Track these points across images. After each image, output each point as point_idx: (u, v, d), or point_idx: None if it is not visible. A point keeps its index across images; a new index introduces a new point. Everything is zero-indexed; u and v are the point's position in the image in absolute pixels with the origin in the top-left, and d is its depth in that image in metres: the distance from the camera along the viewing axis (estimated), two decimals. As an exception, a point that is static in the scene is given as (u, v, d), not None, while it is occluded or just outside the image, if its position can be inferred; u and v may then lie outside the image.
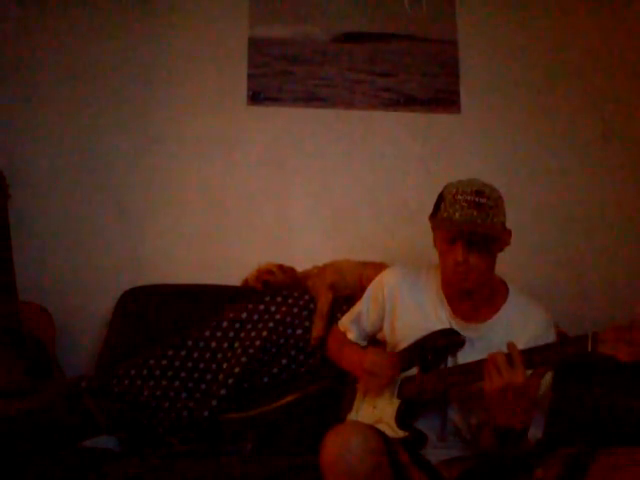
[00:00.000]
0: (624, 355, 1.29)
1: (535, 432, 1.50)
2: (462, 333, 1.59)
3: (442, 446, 1.58)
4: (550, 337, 1.56)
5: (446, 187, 1.59)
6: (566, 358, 1.40)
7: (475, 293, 1.59)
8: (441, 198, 1.58)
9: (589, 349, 1.33)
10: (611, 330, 1.32)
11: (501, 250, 1.60)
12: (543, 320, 1.60)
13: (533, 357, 1.40)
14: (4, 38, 2.44)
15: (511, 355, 1.39)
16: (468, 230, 1.50)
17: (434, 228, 1.61)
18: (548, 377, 1.54)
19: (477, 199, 1.50)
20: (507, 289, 1.65)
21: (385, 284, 1.74)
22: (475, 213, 1.49)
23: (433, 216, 1.59)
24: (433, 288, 1.68)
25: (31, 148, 2.42)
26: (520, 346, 1.43)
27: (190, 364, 2.12)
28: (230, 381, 2.05)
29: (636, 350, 1.29)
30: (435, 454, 1.56)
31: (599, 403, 1.88)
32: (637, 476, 1.31)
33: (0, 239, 2.10)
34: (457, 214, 1.50)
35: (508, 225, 1.59)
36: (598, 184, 2.59)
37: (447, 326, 1.62)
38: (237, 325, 2.19)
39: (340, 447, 1.33)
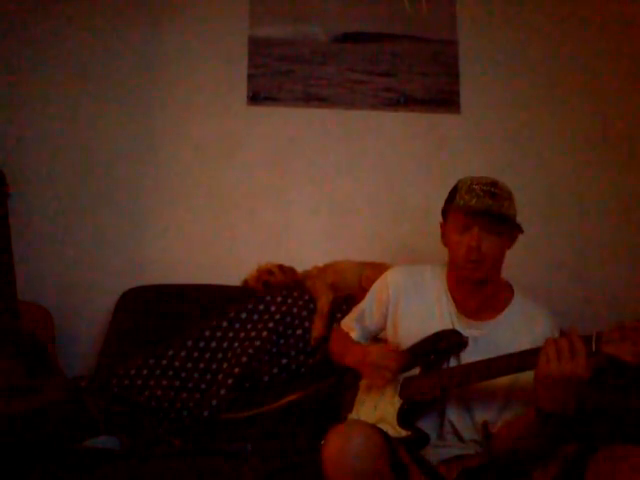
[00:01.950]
0: (629, 356, 1.27)
1: None
2: (466, 331, 1.60)
3: (441, 445, 1.58)
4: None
5: (460, 180, 1.62)
6: None
7: (481, 288, 1.60)
8: (455, 189, 1.60)
9: (593, 349, 1.31)
10: (615, 330, 1.30)
11: (509, 246, 1.60)
12: (549, 321, 1.59)
13: (535, 357, 1.39)
14: (4, 38, 2.44)
15: (574, 344, 1.32)
16: (484, 213, 1.52)
17: (448, 216, 1.62)
18: None
19: (492, 189, 1.54)
20: (513, 291, 1.65)
21: (389, 283, 1.74)
22: (490, 201, 1.52)
23: (447, 205, 1.61)
24: (438, 286, 1.68)
25: (31, 148, 2.42)
26: (526, 347, 1.42)
27: (190, 364, 2.12)
28: (230, 381, 2.05)
29: None
30: (435, 454, 1.56)
31: (596, 401, 1.88)
32: (634, 474, 1.30)
33: (0, 239, 2.10)
34: (473, 201, 1.53)
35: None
36: (598, 184, 2.59)
37: (450, 324, 1.62)
38: (237, 325, 2.19)
39: (341, 446, 1.32)
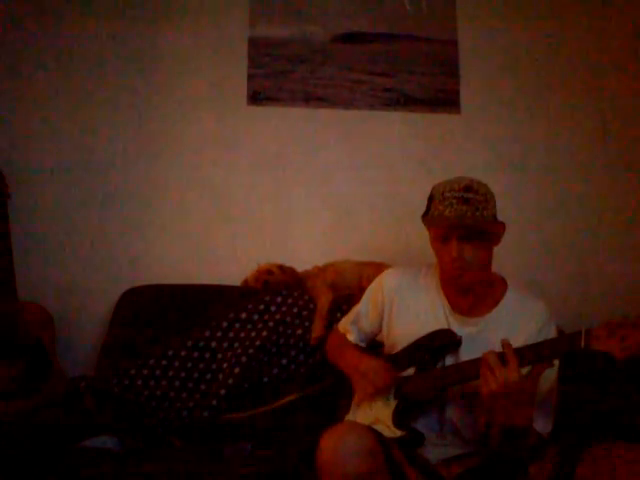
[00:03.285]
0: (617, 351, 1.30)
1: (545, 426, 1.52)
2: (462, 328, 1.60)
3: (441, 444, 1.58)
4: (551, 330, 1.57)
5: (434, 187, 1.61)
6: (559, 355, 1.42)
7: (473, 288, 1.60)
8: (431, 198, 1.60)
9: (582, 345, 1.33)
10: (604, 326, 1.33)
11: (496, 244, 1.61)
12: (543, 313, 1.60)
13: (525, 354, 1.41)
14: (4, 38, 2.44)
15: (504, 353, 1.39)
16: (459, 225, 1.51)
17: (427, 227, 1.62)
18: (553, 371, 1.55)
19: (465, 195, 1.52)
20: (506, 285, 1.66)
21: (384, 286, 1.74)
22: (465, 208, 1.51)
23: (424, 216, 1.61)
24: (432, 286, 1.69)
25: (31, 148, 2.42)
26: (522, 340, 1.45)
27: (190, 364, 2.12)
28: (230, 381, 2.05)
29: (629, 346, 1.29)
30: (434, 453, 1.56)
31: (586, 399, 1.88)
32: (626, 469, 1.31)
33: (0, 239, 2.10)
34: (447, 210, 1.52)
35: (508, 224, 1.60)
36: (598, 183, 2.59)
37: (445, 322, 1.63)
38: (237, 325, 2.19)
39: (335, 446, 1.33)
